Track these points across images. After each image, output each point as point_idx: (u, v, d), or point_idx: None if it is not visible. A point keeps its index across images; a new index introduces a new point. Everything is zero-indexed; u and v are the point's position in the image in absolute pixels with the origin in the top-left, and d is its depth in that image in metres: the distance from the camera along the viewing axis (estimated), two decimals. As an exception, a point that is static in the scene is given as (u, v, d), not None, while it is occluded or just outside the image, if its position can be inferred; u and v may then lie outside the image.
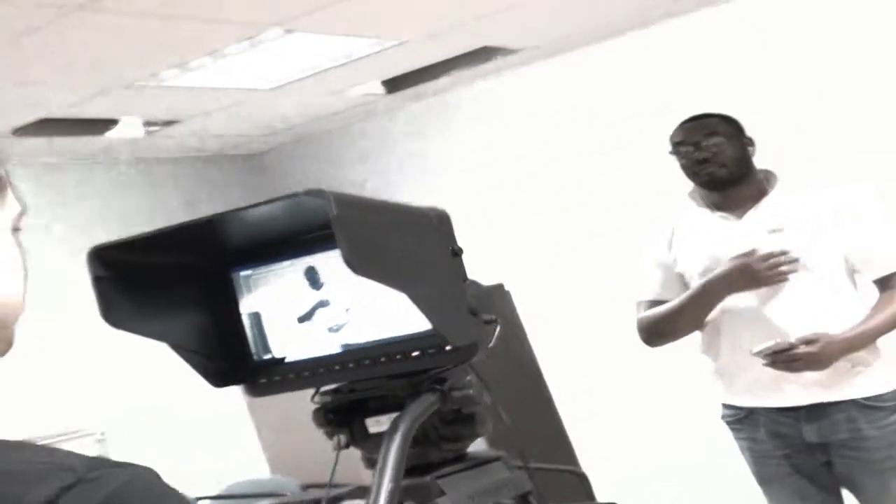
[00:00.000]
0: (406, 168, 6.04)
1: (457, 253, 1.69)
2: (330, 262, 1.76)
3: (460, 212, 1.91)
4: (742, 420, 3.50)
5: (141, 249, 1.71)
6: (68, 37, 3.95)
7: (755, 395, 3.43)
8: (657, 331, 3.52)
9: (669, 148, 3.50)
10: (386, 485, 1.49)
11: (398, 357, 1.69)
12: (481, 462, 1.76)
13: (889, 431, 3.32)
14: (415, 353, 1.68)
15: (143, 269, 1.70)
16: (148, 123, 5.40)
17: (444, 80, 5.71)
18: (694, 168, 3.42)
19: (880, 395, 3.33)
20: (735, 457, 3.61)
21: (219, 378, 1.79)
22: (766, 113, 4.73)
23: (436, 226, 1.69)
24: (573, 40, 5.44)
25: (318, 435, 1.82)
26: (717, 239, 3.43)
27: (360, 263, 1.48)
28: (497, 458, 1.77)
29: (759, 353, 3.24)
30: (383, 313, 1.73)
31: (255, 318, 1.82)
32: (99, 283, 1.65)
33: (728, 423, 3.58)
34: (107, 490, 0.88)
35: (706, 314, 3.43)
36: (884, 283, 3.35)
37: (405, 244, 1.63)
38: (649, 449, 5.41)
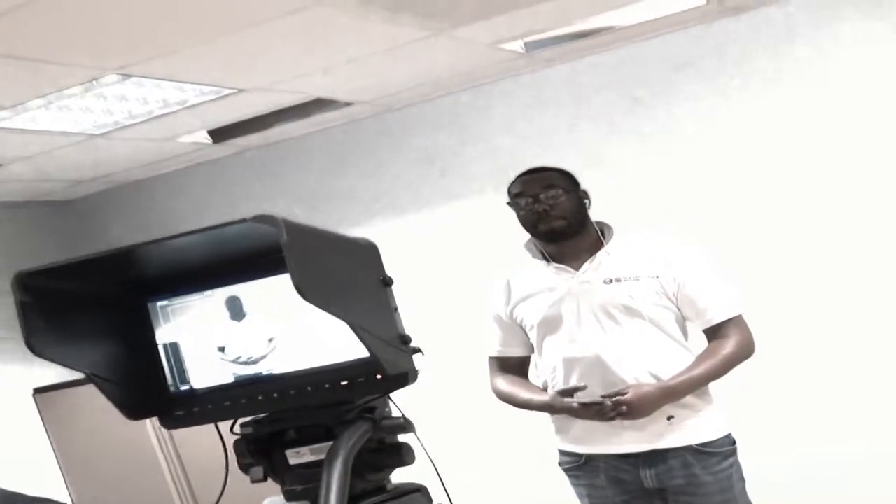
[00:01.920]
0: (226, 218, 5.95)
1: (387, 283, 1.71)
2: (254, 292, 1.75)
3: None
4: (581, 466, 3.56)
5: (61, 277, 1.67)
6: None
7: (593, 442, 3.50)
8: (509, 403, 3.64)
9: (507, 199, 3.55)
10: (333, 511, 1.48)
11: (326, 386, 1.69)
12: (401, 493, 1.77)
13: (723, 476, 3.44)
14: (343, 383, 1.69)
15: (63, 297, 1.67)
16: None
17: (273, 131, 5.70)
18: (533, 220, 3.48)
19: (713, 442, 3.44)
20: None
21: (134, 410, 1.75)
22: (600, 166, 4.95)
23: (367, 255, 1.72)
24: (405, 96, 5.53)
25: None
26: (554, 291, 3.50)
27: (309, 290, 1.49)
28: (417, 490, 1.78)
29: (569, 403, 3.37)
30: (308, 343, 1.73)
31: (174, 348, 1.79)
32: (24, 308, 1.61)
33: (566, 469, 3.63)
34: None
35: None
36: (713, 333, 3.47)
37: (345, 272, 1.65)
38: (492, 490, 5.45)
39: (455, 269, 5.49)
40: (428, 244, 5.66)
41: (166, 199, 6.24)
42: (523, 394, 3.59)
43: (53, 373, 5.52)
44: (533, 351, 3.62)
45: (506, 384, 3.62)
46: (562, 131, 5.35)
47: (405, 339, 1.69)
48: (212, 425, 1.79)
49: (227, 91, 4.83)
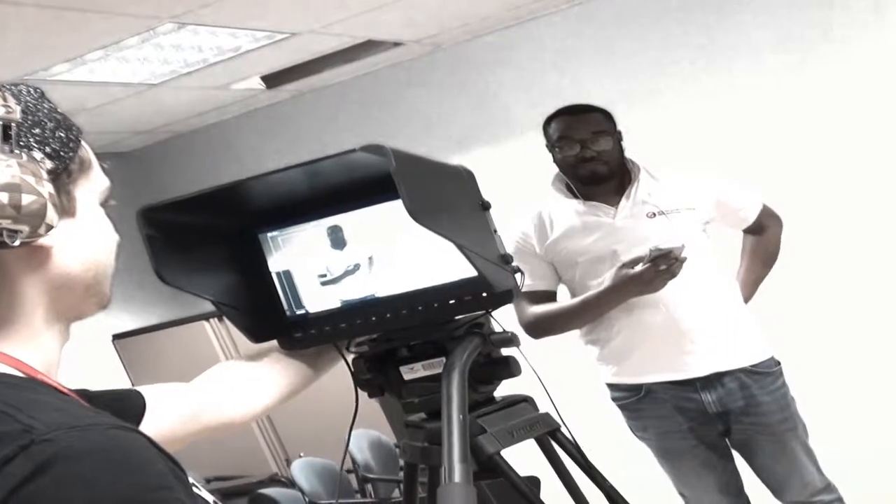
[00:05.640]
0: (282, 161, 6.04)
1: (485, 207, 1.80)
2: (354, 221, 1.84)
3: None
4: (642, 399, 3.55)
5: (178, 211, 1.77)
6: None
7: (653, 371, 3.50)
8: (544, 328, 3.51)
9: (544, 141, 3.52)
10: (455, 415, 1.58)
11: (435, 305, 1.79)
12: (511, 403, 1.88)
13: (779, 395, 3.51)
14: (451, 301, 1.78)
15: (182, 230, 1.77)
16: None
17: (324, 76, 5.77)
18: (576, 164, 3.45)
19: (762, 363, 3.51)
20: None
21: (256, 334, 1.86)
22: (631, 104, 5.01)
23: (466, 181, 1.81)
24: (455, 33, 5.58)
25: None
26: (596, 228, 3.48)
27: (421, 214, 1.57)
28: (524, 400, 1.89)
29: (649, 258, 3.19)
30: (408, 267, 1.83)
31: (287, 275, 1.89)
32: (150, 241, 1.72)
33: (622, 405, 3.61)
34: (53, 450, 0.92)
35: (594, 319, 3.49)
36: (752, 230, 3.67)
37: (449, 197, 1.74)
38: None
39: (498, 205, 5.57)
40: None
41: (223, 146, 6.34)
42: (566, 303, 3.51)
43: (129, 320, 5.88)
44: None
45: (542, 308, 3.51)
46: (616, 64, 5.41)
47: (507, 259, 1.78)
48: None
49: (279, 36, 4.91)
